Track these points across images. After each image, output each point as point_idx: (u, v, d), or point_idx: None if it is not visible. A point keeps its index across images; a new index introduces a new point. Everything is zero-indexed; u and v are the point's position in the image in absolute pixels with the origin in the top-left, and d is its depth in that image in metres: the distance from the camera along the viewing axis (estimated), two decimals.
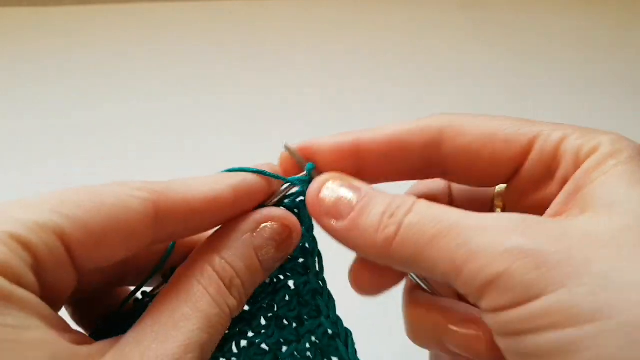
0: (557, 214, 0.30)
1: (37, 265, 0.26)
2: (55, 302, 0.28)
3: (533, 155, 0.32)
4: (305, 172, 0.34)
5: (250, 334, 0.35)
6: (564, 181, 0.31)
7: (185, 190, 0.30)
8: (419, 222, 0.29)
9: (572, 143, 0.31)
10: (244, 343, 0.35)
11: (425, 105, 1.05)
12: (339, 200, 0.31)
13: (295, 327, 0.35)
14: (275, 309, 0.35)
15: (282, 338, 0.35)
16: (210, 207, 0.31)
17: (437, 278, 0.29)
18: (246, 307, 0.34)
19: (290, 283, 0.35)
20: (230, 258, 0.31)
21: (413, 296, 0.35)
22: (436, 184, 0.38)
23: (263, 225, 0.32)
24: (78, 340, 0.26)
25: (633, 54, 1.18)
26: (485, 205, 0.38)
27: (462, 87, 1.08)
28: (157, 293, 0.32)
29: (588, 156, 0.30)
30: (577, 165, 0.30)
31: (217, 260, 0.31)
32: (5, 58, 1.14)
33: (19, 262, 0.25)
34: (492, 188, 0.37)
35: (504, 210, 0.37)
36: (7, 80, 1.09)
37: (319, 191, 0.32)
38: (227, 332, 0.33)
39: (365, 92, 1.08)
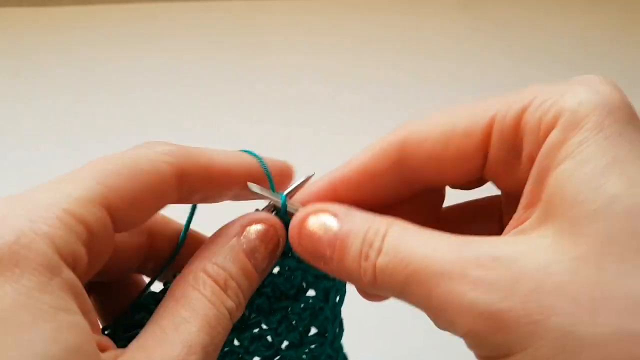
0: (529, 205, 0.28)
1: (90, 239, 0.26)
2: (94, 268, 0.29)
3: (494, 140, 0.29)
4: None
5: (263, 326, 0.36)
6: (532, 161, 0.28)
7: (207, 157, 0.32)
8: (388, 265, 0.28)
9: (531, 116, 0.28)
10: (255, 331, 0.36)
11: (425, 104, 1.05)
12: (318, 243, 0.31)
13: (301, 333, 0.37)
14: (290, 312, 0.36)
15: (287, 340, 0.36)
16: (227, 179, 0.33)
17: None
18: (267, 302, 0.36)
19: (312, 298, 0.37)
20: (221, 262, 0.31)
21: None
22: None
23: (248, 228, 0.33)
24: (101, 342, 0.27)
25: (633, 54, 1.17)
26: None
27: (462, 87, 1.08)
28: None
29: (549, 130, 0.27)
30: (539, 143, 0.27)
31: (209, 266, 0.31)
32: (5, 58, 1.14)
33: (75, 239, 0.26)
34: None
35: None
36: (7, 81, 1.09)
37: (299, 236, 0.32)
38: (249, 321, 0.35)
39: (365, 91, 1.08)
